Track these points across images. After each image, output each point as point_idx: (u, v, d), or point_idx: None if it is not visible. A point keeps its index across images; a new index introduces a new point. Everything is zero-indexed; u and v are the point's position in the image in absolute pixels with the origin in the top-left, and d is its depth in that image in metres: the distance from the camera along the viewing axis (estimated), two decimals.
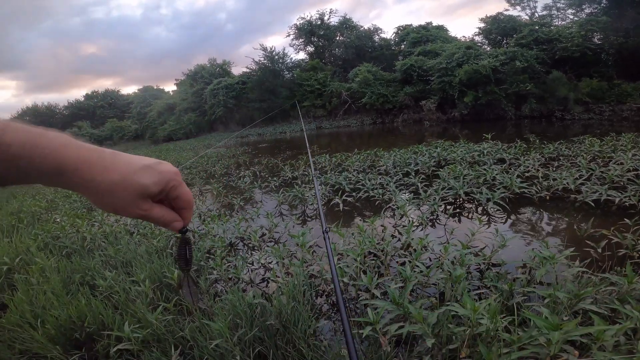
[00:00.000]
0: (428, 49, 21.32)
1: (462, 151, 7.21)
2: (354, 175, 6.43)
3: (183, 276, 0.59)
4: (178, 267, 0.50)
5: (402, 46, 26.47)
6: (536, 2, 22.05)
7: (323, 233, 1.44)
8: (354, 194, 5.35)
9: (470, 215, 4.30)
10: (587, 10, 19.09)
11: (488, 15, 21.88)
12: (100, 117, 43.49)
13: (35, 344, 2.14)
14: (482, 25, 22.18)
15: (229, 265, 3.08)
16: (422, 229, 3.86)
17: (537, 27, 17.65)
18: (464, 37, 24.90)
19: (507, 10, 22.12)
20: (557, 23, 20.45)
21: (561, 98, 14.88)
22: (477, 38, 22.64)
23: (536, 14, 22.08)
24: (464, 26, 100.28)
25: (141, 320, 2.17)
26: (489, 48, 20.10)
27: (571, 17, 20.40)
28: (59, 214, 6.11)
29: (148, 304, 2.42)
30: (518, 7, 22.44)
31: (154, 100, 38.26)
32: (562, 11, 21.24)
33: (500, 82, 15.90)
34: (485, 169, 5.45)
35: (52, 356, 2.09)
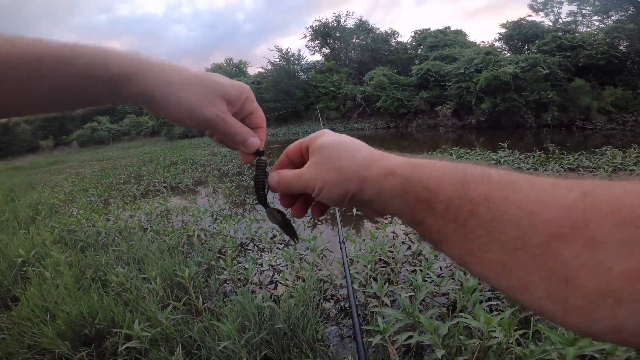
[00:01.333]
0: (445, 54, 21.04)
1: (477, 159, 7.07)
2: None
3: (268, 211, 0.52)
4: (258, 200, 0.50)
5: (419, 50, 26.21)
6: (560, 8, 21.40)
7: (340, 243, 1.43)
8: None
9: None
10: (614, 17, 18.51)
11: (509, 21, 21.52)
12: (119, 112, 44.49)
13: (45, 339, 2.15)
14: (502, 30, 21.80)
15: (239, 266, 3.09)
16: None
17: (560, 34, 17.21)
18: (482, 42, 24.52)
19: (529, 16, 21.63)
20: (581, 30, 19.89)
21: (583, 107, 14.45)
22: (497, 43, 22.25)
23: (560, 20, 21.55)
24: (484, 31, 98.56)
25: (151, 318, 2.18)
26: (508, 54, 19.68)
27: (597, 24, 19.82)
28: (76, 207, 6.27)
29: (158, 302, 2.44)
30: (541, 13, 21.94)
31: None
32: (587, 18, 20.65)
33: (520, 89, 15.53)
34: None
35: (60, 352, 2.10)
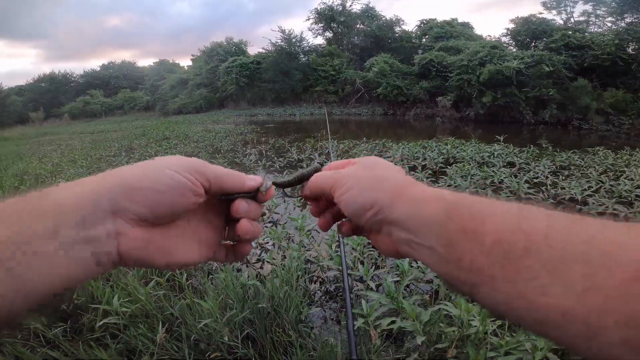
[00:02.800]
0: (450, 45, 20.85)
1: (472, 150, 7.11)
2: None
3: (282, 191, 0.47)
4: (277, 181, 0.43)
5: (424, 40, 25.99)
6: (574, 7, 21.13)
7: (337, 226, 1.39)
8: None
9: None
10: (628, 20, 18.34)
11: (519, 17, 21.22)
12: (114, 87, 43.76)
13: None
14: (511, 26, 21.55)
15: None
16: None
17: (570, 33, 17.04)
18: (489, 36, 24.26)
19: (541, 13, 21.32)
20: (592, 30, 19.69)
21: (582, 106, 14.45)
22: (503, 39, 22.02)
23: (572, 20, 21.33)
24: (492, 25, 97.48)
25: (131, 294, 2.13)
26: (514, 50, 19.49)
27: (609, 25, 19.64)
28: (63, 178, 6.15)
29: (141, 278, 2.40)
30: (554, 11, 21.68)
31: (168, 74, 38.29)
32: (600, 19, 20.46)
33: (522, 84, 15.46)
34: (493, 171, 5.38)
35: (35, 328, 2.04)
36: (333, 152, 7.42)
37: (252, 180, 0.39)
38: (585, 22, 20.74)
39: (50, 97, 40.75)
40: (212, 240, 0.39)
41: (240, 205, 0.38)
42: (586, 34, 17.46)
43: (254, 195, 0.39)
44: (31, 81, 44.19)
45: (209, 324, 1.88)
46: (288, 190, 0.47)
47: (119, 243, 0.30)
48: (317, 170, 0.45)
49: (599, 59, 15.36)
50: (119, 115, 34.96)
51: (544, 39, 18.00)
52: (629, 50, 15.87)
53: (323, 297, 2.56)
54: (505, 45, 20.15)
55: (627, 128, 13.56)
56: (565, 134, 12.91)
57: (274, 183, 0.42)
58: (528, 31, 20.26)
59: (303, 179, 0.45)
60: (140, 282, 2.31)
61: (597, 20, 20.59)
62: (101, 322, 1.93)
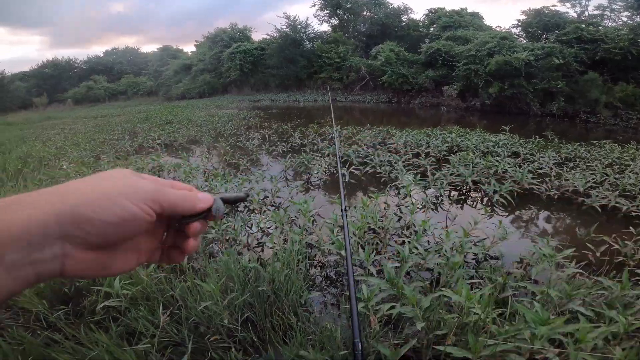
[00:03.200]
0: (458, 35, 20.55)
1: (476, 139, 7.05)
2: (363, 150, 6.47)
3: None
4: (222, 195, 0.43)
5: (431, 29, 25.56)
6: (589, 0, 20.54)
7: (342, 211, 1.39)
8: (361, 167, 5.36)
9: (475, 205, 4.27)
10: None
11: (532, 8, 20.67)
12: (117, 72, 43.43)
13: (23, 297, 2.08)
14: (522, 17, 20.99)
15: (228, 226, 3.06)
16: (424, 212, 3.82)
17: (583, 26, 16.65)
18: (499, 27, 23.76)
19: (554, 6, 20.74)
20: (607, 24, 19.19)
21: (591, 100, 14.24)
22: (514, 30, 21.51)
23: (586, 13, 20.75)
24: (502, 16, 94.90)
25: (132, 276, 2.13)
26: (524, 41, 19.09)
27: (624, 19, 19.12)
28: (66, 161, 6.16)
29: None
30: (567, 4, 21.04)
31: (171, 59, 38.08)
32: (616, 13, 19.90)
33: (530, 76, 15.22)
34: (497, 161, 5.34)
35: (37, 311, 2.05)
36: (337, 138, 7.39)
37: (203, 202, 0.40)
38: (600, 15, 20.18)
39: (53, 83, 40.57)
40: (151, 247, 0.40)
41: (197, 228, 0.40)
42: (600, 27, 17.04)
43: (206, 215, 0.41)
44: (35, 67, 43.97)
45: (210, 306, 1.88)
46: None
47: (64, 263, 0.30)
48: (245, 197, 0.48)
49: (611, 53, 15.03)
50: (122, 100, 34.81)
51: (556, 31, 17.59)
52: None
53: (323, 282, 2.57)
54: (515, 36, 19.74)
55: (635, 122, 13.38)
56: (572, 127, 12.74)
57: (223, 200, 0.44)
58: (540, 23, 19.80)
59: (236, 201, 0.47)
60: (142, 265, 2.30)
61: (612, 14, 20.03)
62: (102, 305, 1.93)
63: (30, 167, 5.58)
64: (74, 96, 36.50)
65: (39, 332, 1.94)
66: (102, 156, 6.80)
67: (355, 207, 3.27)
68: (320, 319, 2.14)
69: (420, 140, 6.98)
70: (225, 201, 0.45)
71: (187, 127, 10.58)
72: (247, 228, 3.26)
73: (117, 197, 0.32)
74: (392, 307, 1.77)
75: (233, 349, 1.77)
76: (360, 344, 0.48)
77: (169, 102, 27.36)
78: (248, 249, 2.88)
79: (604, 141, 7.30)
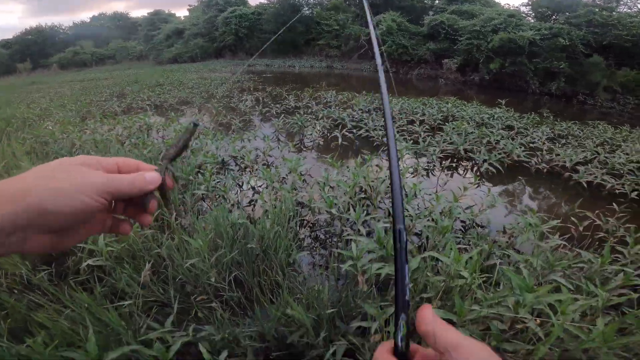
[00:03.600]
0: (464, 9, 20.08)
1: (472, 111, 7.05)
2: (357, 114, 6.45)
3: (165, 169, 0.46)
4: (168, 156, 0.45)
5: (436, 2, 24.76)
6: None
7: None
8: (354, 130, 5.33)
9: (465, 174, 4.32)
10: None
11: None
12: (105, 38, 41.53)
13: (4, 260, 2.02)
14: None
15: (218, 183, 3.01)
16: (415, 176, 3.84)
17: (596, 10, 16.18)
18: (507, 5, 22.97)
19: None
20: (621, 10, 18.63)
21: (592, 83, 14.16)
22: (522, 8, 20.82)
23: None
24: None
25: (117, 234, 2.04)
26: (532, 20, 18.57)
27: None
28: (51, 121, 5.96)
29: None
30: None
31: (163, 24, 36.61)
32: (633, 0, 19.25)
33: (533, 55, 15.00)
34: (491, 132, 5.33)
35: (19, 272, 1.98)
36: (332, 102, 7.28)
37: (151, 183, 0.42)
38: (616, 0, 19.55)
39: (37, 49, 38.77)
40: (101, 220, 0.44)
41: (153, 205, 0.44)
42: (614, 12, 16.59)
43: (159, 187, 0.44)
44: (17, 34, 41.74)
45: (197, 264, 1.83)
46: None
47: (25, 244, 0.36)
48: (194, 129, 0.48)
49: (622, 39, 14.77)
50: (110, 65, 33.57)
51: (567, 13, 17.12)
52: None
53: (312, 243, 2.56)
54: (523, 15, 19.23)
55: (632, 107, 13.44)
56: (568, 107, 12.73)
57: (168, 159, 0.45)
58: (551, 3, 19.23)
59: (187, 142, 0.47)
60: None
61: (628, 0, 19.39)
62: (86, 264, 1.87)
63: (14, 127, 5.41)
64: (59, 61, 35.10)
65: (24, 293, 1.87)
66: (88, 116, 6.59)
67: (347, 167, 3.23)
68: (308, 280, 2.14)
69: (415, 108, 6.94)
70: (176, 155, 0.46)
71: (178, 89, 10.30)
72: (238, 186, 3.22)
73: (75, 193, 0.37)
74: (381, 268, 1.77)
75: (220, 309, 1.73)
76: (404, 233, 0.43)
77: (160, 66, 26.48)
78: (238, 207, 2.85)
79: (598, 122, 7.30)
